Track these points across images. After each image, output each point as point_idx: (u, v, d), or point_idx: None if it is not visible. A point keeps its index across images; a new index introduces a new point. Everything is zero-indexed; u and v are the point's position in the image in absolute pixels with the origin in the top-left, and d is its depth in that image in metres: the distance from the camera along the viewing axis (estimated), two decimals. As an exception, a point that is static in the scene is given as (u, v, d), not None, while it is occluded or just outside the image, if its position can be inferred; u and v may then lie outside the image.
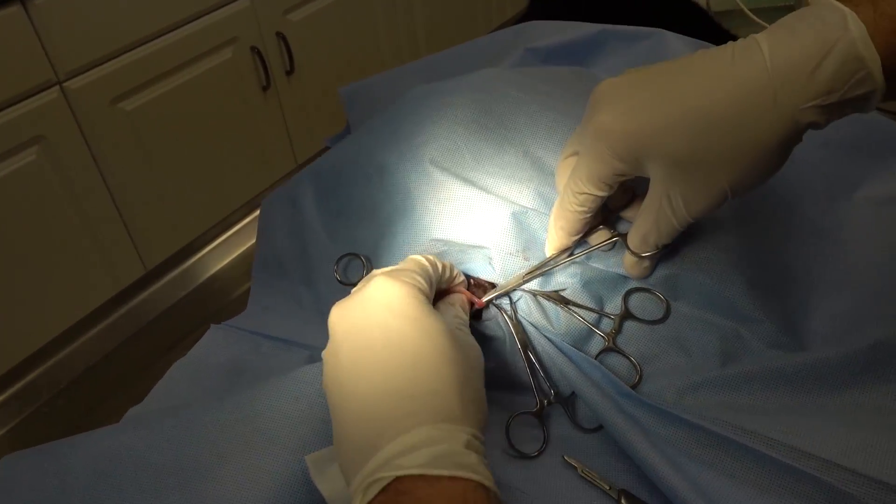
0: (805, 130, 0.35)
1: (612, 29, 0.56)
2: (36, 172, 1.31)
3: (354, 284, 0.49)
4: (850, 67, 0.33)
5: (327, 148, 0.71)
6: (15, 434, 0.50)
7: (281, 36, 1.66)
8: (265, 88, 1.67)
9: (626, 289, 0.44)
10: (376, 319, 0.35)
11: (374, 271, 0.38)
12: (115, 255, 1.53)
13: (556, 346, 0.43)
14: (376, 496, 0.30)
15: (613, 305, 0.44)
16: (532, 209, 0.45)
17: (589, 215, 0.42)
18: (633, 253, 0.42)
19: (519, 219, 0.44)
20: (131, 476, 0.37)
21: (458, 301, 0.42)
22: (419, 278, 0.38)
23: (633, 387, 0.41)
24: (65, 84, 1.32)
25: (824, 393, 0.38)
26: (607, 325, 0.44)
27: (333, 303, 0.50)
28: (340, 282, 0.50)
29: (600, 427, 0.42)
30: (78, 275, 1.47)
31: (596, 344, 0.44)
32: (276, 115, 1.73)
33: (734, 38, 0.74)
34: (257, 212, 0.65)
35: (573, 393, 0.43)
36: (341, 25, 1.83)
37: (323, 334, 0.49)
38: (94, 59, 1.34)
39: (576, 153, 0.41)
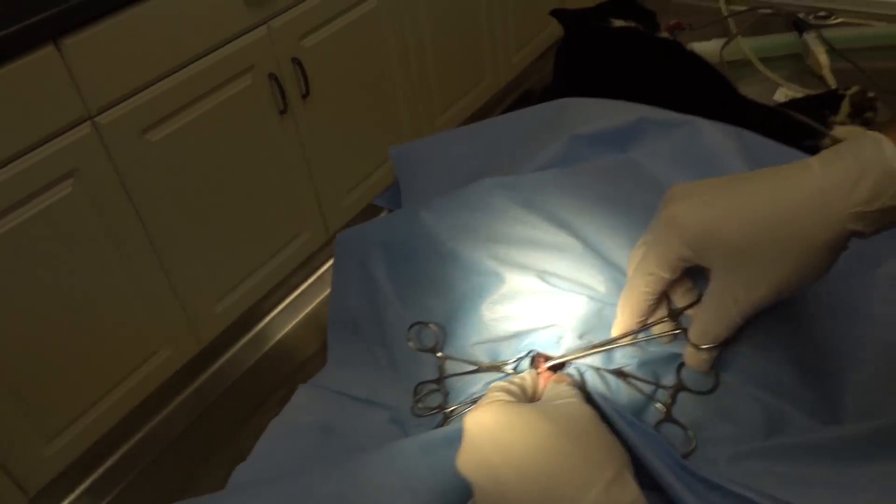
0: (850, 237, 0.41)
1: (651, 116, 0.61)
2: (72, 206, 1.36)
3: (429, 350, 0.55)
4: (886, 181, 0.39)
5: (373, 207, 0.76)
6: (126, 493, 0.55)
7: (297, 61, 1.71)
8: (282, 112, 1.72)
9: (679, 362, 0.50)
10: (488, 450, 0.40)
11: (465, 417, 0.44)
12: (158, 304, 1.60)
13: (619, 415, 0.49)
14: None
15: (668, 378, 0.50)
16: (600, 299, 0.50)
17: (654, 298, 0.48)
18: (693, 345, 0.47)
19: (587, 307, 0.50)
20: None
21: (552, 381, 0.48)
22: (500, 394, 0.44)
23: (688, 454, 0.47)
24: (96, 119, 1.37)
25: (859, 464, 0.44)
26: (662, 395, 0.50)
27: (408, 364, 0.56)
28: (415, 349, 0.55)
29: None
30: (125, 325, 1.54)
31: (653, 414, 0.49)
32: (293, 137, 1.78)
33: (736, 91, 0.77)
34: (316, 275, 0.71)
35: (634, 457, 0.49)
36: (353, 48, 1.88)
37: (399, 393, 0.55)
38: (122, 93, 1.39)
39: (646, 243, 0.47)
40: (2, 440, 1.38)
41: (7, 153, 1.24)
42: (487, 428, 0.41)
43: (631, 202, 0.55)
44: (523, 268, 0.52)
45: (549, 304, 0.51)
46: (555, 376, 0.48)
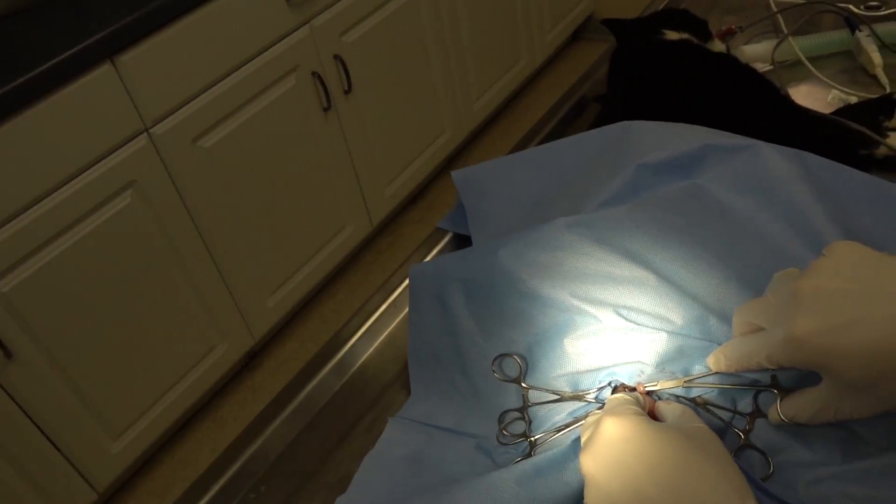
0: None
1: (714, 142, 0.62)
2: (132, 216, 1.41)
3: (513, 380, 0.58)
4: None
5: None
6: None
7: (338, 58, 1.73)
8: (326, 109, 1.75)
9: (756, 390, 0.52)
10: (626, 456, 0.42)
11: (600, 417, 0.45)
12: (214, 302, 1.65)
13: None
14: None
15: (745, 404, 0.53)
16: (678, 332, 0.53)
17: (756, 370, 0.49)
18: (780, 414, 0.49)
19: (667, 343, 0.53)
20: None
21: (662, 404, 0.50)
22: (631, 406, 0.46)
23: (766, 478, 0.50)
24: (151, 130, 1.41)
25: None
26: (740, 421, 0.52)
27: (490, 393, 0.59)
28: (500, 379, 0.58)
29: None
30: (183, 324, 1.60)
31: (731, 438, 0.52)
32: (336, 133, 1.81)
33: (790, 101, 0.77)
34: (390, 299, 0.74)
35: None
36: (392, 40, 1.90)
37: (483, 422, 0.58)
38: (175, 104, 1.44)
39: (758, 328, 0.47)
40: (71, 439, 1.45)
41: (70, 170, 1.29)
42: (627, 436, 0.42)
43: (703, 232, 0.57)
44: (603, 304, 0.54)
45: (630, 340, 0.54)
46: (660, 401, 0.51)
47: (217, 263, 1.62)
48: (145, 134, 1.40)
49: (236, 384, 1.89)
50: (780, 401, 0.49)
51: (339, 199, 1.90)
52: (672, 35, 0.84)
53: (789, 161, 0.61)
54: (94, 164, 1.33)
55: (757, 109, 0.77)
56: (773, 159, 0.61)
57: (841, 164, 0.62)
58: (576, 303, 0.55)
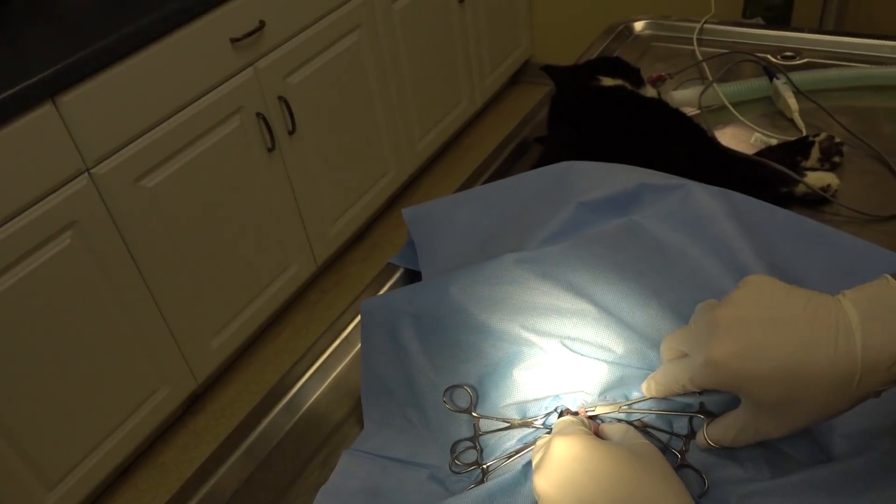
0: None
1: (649, 182, 0.66)
2: (72, 256, 1.39)
3: (464, 411, 0.60)
4: None
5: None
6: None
7: (283, 99, 1.75)
8: (270, 150, 1.76)
9: (690, 413, 0.56)
10: (578, 474, 0.44)
11: (550, 438, 0.48)
12: (155, 345, 1.63)
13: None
14: None
15: (680, 426, 0.56)
16: (618, 361, 0.56)
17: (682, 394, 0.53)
18: (706, 439, 0.52)
19: (609, 373, 0.56)
20: None
21: (607, 426, 0.53)
22: (580, 427, 0.49)
23: (702, 495, 0.53)
24: (92, 170, 1.40)
25: (854, 494, 0.50)
26: (676, 442, 0.56)
27: (442, 424, 0.61)
28: (451, 410, 0.60)
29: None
30: (123, 369, 1.57)
31: (669, 458, 0.55)
32: (280, 173, 1.83)
33: (717, 144, 0.83)
34: (341, 337, 0.75)
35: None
36: (336, 82, 1.93)
37: (436, 452, 0.60)
38: (117, 144, 1.43)
39: (684, 354, 0.50)
40: (3, 492, 1.40)
41: (8, 211, 1.27)
42: (577, 455, 0.45)
43: (638, 266, 0.61)
44: (549, 335, 0.57)
45: (574, 369, 0.57)
46: (604, 423, 0.54)
47: (159, 305, 1.60)
48: (86, 174, 1.39)
49: (178, 428, 1.85)
50: (706, 426, 0.53)
51: (283, 238, 1.90)
52: (607, 81, 0.89)
53: (717, 200, 0.65)
54: (33, 205, 1.31)
55: (687, 150, 0.83)
56: (703, 198, 0.65)
57: (764, 202, 0.67)
58: (524, 335, 0.58)
